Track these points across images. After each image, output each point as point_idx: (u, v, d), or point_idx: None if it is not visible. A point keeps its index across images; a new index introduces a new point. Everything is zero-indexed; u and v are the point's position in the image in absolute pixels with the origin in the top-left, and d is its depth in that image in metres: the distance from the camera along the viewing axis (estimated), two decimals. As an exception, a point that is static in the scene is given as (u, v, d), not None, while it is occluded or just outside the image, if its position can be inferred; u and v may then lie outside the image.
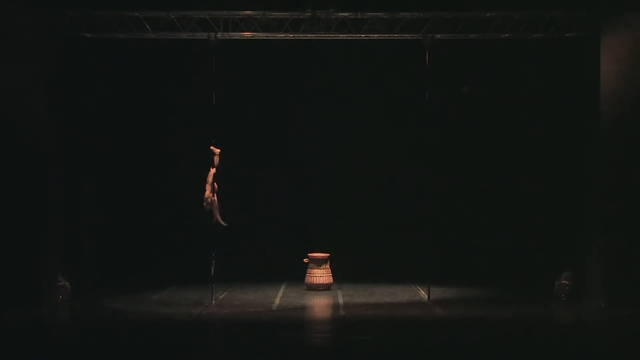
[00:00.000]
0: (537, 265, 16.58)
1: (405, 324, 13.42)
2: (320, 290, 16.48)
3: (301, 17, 15.19)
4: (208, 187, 14.81)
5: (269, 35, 15.37)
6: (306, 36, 15.44)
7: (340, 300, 15.45)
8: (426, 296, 15.44)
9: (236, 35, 15.32)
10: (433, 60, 15.26)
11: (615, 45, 14.62)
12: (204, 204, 14.84)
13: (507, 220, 17.49)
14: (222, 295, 15.70)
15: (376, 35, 15.42)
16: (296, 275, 17.00)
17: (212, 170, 14.88)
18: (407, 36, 15.40)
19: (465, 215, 17.85)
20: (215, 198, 14.86)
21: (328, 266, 16.66)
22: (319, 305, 15.29)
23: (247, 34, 15.30)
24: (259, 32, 15.26)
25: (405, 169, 17.95)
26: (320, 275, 16.57)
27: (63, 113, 15.36)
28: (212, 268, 14.88)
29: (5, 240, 14.22)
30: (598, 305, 14.44)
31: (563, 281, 15.44)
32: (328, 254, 16.69)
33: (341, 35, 15.46)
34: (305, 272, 16.67)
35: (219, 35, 15.17)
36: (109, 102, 17.31)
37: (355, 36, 15.46)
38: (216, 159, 14.89)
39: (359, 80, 18.06)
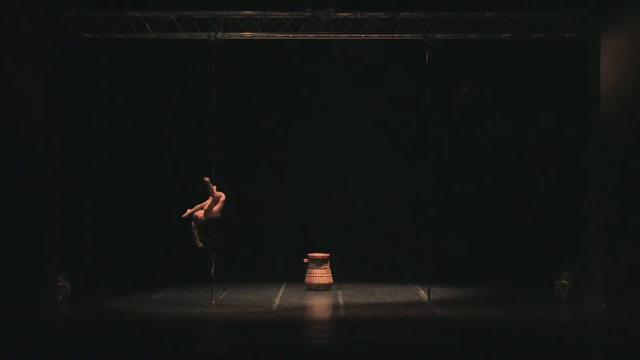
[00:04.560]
0: (537, 265, 16.57)
1: (405, 324, 13.41)
2: (320, 290, 16.48)
3: (301, 17, 15.20)
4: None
5: (269, 35, 15.37)
6: (306, 36, 15.45)
7: (340, 300, 15.45)
8: (426, 296, 15.44)
9: (236, 35, 15.32)
10: (433, 60, 15.29)
11: (615, 45, 14.62)
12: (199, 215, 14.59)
13: (507, 220, 17.49)
14: (222, 295, 15.71)
15: (376, 35, 15.42)
16: (296, 275, 17.00)
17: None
18: (407, 36, 15.40)
19: (465, 215, 17.86)
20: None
21: (328, 266, 16.66)
22: (319, 305, 15.29)
23: (247, 34, 15.31)
24: (259, 32, 15.27)
25: (406, 168, 17.97)
26: (320, 275, 16.57)
27: (63, 113, 15.36)
28: (212, 268, 14.88)
29: (5, 240, 14.22)
30: (598, 306, 14.43)
31: (563, 281, 15.44)
32: (328, 254, 16.70)
33: (341, 35, 15.47)
34: (305, 272, 16.68)
35: (219, 35, 15.18)
36: (109, 102, 17.30)
37: (355, 36, 15.46)
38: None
39: (359, 80, 18.07)
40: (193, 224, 14.30)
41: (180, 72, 17.60)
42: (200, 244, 14.42)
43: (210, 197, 14.35)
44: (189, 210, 14.36)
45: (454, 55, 16.98)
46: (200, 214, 14.27)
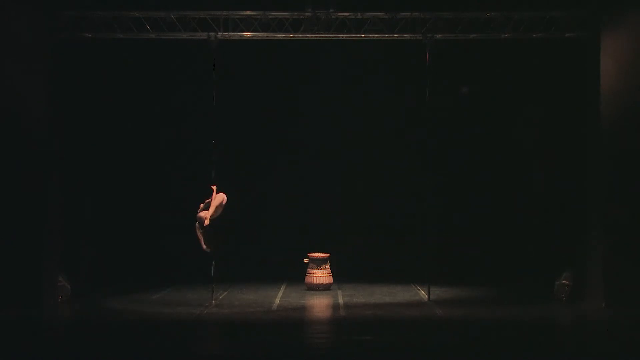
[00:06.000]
0: (537, 265, 16.56)
1: (405, 324, 13.41)
2: (320, 290, 16.48)
3: (301, 17, 15.19)
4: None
5: (269, 35, 15.37)
6: (306, 36, 15.44)
7: (340, 300, 15.45)
8: (426, 296, 15.44)
9: (236, 35, 15.32)
10: (433, 60, 15.29)
11: (615, 45, 14.61)
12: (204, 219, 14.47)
13: (507, 220, 17.49)
14: (222, 295, 15.71)
15: (376, 35, 15.42)
16: (296, 275, 17.00)
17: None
18: (407, 36, 15.40)
19: (465, 215, 17.86)
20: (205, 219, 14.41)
21: (328, 266, 16.66)
22: (319, 305, 15.29)
23: (247, 34, 15.31)
24: (259, 32, 15.27)
25: (406, 168, 17.97)
26: (320, 275, 16.57)
27: (63, 113, 15.35)
28: (212, 268, 14.88)
29: (5, 240, 14.22)
30: (598, 306, 14.43)
31: (563, 281, 15.43)
32: (328, 254, 16.70)
33: (341, 35, 15.47)
34: (305, 272, 16.67)
35: (219, 35, 15.18)
36: (109, 102, 17.29)
37: (355, 36, 15.46)
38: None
39: (359, 80, 18.08)
40: (197, 224, 14.29)
41: (180, 72, 17.60)
42: (207, 249, 14.36)
43: (212, 199, 14.37)
44: (202, 205, 14.38)
45: (454, 55, 16.98)
46: (204, 215, 14.24)
